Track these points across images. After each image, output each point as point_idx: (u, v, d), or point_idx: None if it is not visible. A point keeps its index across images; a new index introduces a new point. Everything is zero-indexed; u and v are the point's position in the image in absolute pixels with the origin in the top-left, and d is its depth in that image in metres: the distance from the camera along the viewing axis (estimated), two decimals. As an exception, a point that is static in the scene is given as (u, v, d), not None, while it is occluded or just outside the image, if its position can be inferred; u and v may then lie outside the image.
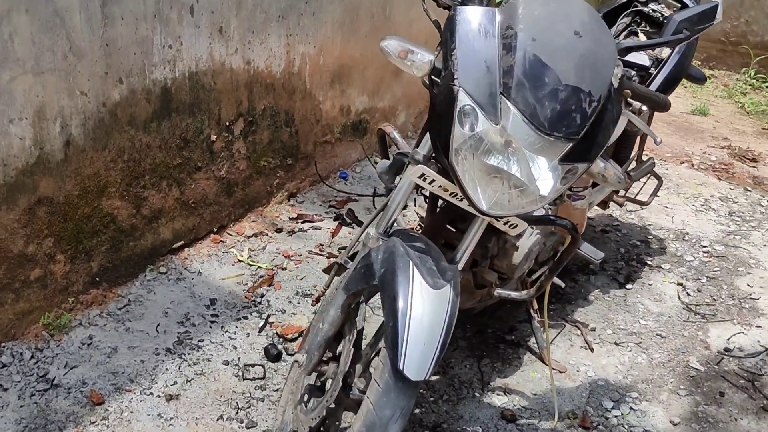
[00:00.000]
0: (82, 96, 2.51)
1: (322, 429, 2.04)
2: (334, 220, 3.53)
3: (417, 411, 2.46)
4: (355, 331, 1.98)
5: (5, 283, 2.47)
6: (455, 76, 1.74)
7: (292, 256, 3.24)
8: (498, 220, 1.98)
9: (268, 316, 2.86)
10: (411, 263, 1.85)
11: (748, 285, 3.28)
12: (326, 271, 2.44)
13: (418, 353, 1.75)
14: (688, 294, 3.18)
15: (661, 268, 3.35)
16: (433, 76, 1.90)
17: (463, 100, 1.72)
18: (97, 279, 2.80)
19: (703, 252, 3.50)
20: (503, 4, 1.87)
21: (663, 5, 2.88)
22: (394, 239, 1.94)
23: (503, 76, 1.73)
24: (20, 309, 2.54)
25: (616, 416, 2.50)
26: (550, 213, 2.37)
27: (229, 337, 2.74)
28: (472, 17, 1.81)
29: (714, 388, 2.66)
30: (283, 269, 3.15)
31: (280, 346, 2.70)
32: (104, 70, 2.55)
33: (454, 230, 2.25)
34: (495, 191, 1.77)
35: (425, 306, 1.79)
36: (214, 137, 3.09)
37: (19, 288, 2.52)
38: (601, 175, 1.96)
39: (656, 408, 2.56)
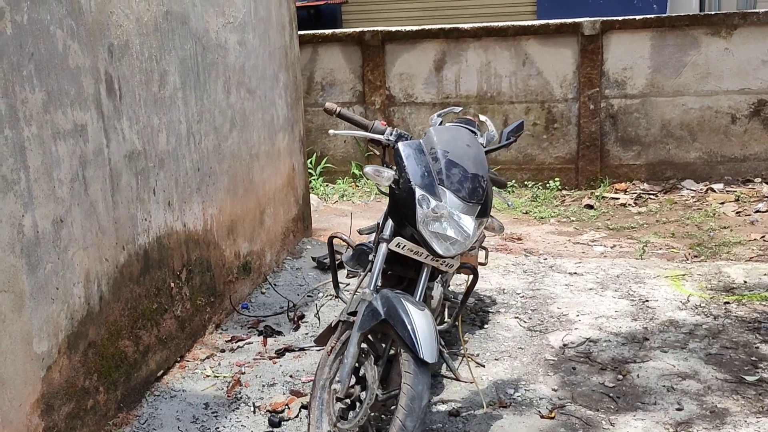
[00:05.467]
0: (105, 262, 3.40)
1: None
2: (259, 335, 4.53)
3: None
4: (372, 356, 3.08)
5: (75, 412, 3.21)
6: (411, 181, 3.01)
7: (243, 365, 4.18)
8: (441, 264, 3.20)
9: (253, 403, 3.78)
10: (402, 299, 3.03)
11: (558, 308, 4.78)
12: (318, 342, 3.50)
13: (428, 346, 2.91)
14: (525, 321, 4.59)
15: (499, 311, 4.75)
16: (392, 185, 3.13)
17: (419, 192, 3.00)
18: (121, 405, 3.56)
19: (520, 297, 4.97)
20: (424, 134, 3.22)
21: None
22: (384, 290, 3.11)
23: (437, 174, 3.04)
24: (83, 433, 3.26)
25: (518, 396, 3.76)
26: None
27: (236, 421, 3.62)
28: (408, 148, 3.11)
29: (568, 366, 4.03)
30: (242, 374, 4.08)
31: (276, 417, 3.63)
32: (115, 242, 3.47)
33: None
34: (442, 244, 3.03)
35: (421, 320, 2.97)
36: (172, 284, 4.02)
37: (83, 415, 3.26)
38: (491, 225, 3.29)
39: (539, 385, 3.85)
